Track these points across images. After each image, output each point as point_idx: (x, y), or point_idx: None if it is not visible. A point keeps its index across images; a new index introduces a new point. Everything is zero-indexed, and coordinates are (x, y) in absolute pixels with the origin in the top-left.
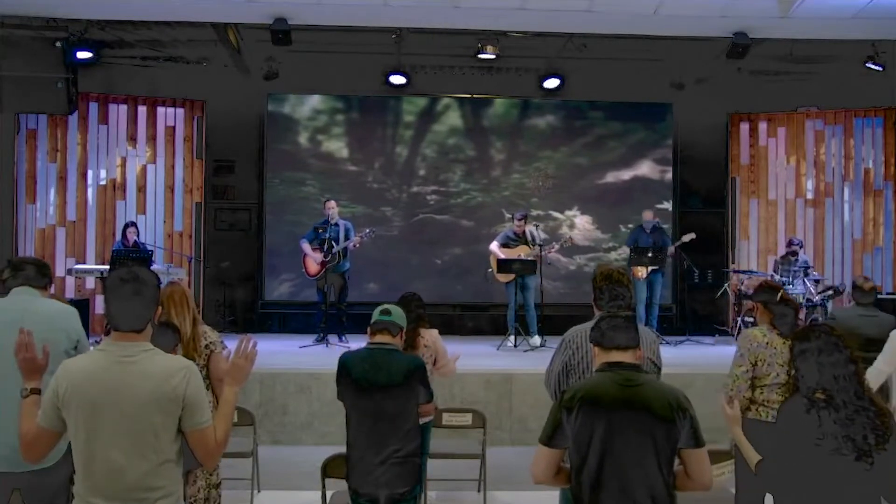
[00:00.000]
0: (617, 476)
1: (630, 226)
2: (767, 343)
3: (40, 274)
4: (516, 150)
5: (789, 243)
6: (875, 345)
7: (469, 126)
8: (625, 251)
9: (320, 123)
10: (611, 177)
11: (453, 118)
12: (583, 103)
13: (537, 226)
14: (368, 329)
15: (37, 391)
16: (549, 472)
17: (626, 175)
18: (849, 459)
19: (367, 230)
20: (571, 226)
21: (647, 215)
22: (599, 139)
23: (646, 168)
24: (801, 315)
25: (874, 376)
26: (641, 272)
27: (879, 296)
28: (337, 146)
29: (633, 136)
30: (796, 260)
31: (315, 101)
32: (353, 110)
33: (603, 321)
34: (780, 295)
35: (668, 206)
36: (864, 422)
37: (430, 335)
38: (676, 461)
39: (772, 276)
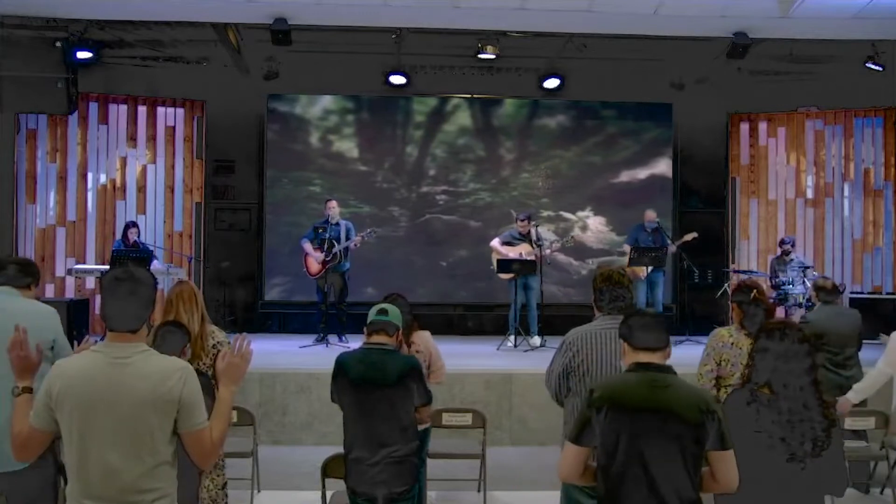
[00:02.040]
0: (644, 477)
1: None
2: (733, 343)
3: (23, 273)
4: (526, 149)
5: (781, 242)
6: (848, 341)
7: (478, 126)
8: None
9: (327, 123)
10: (625, 176)
11: (463, 118)
12: (587, 103)
13: (537, 225)
14: (365, 329)
15: (29, 390)
16: (576, 470)
17: (641, 174)
18: (781, 459)
19: (369, 230)
20: (584, 227)
21: (650, 215)
22: (607, 139)
23: (654, 168)
24: (798, 315)
25: (875, 378)
26: (642, 272)
27: (879, 296)
28: (346, 146)
29: (633, 137)
30: (790, 259)
31: (319, 100)
32: (360, 110)
33: (632, 318)
34: (752, 294)
35: (668, 206)
36: (804, 430)
37: (421, 338)
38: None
39: (773, 276)
